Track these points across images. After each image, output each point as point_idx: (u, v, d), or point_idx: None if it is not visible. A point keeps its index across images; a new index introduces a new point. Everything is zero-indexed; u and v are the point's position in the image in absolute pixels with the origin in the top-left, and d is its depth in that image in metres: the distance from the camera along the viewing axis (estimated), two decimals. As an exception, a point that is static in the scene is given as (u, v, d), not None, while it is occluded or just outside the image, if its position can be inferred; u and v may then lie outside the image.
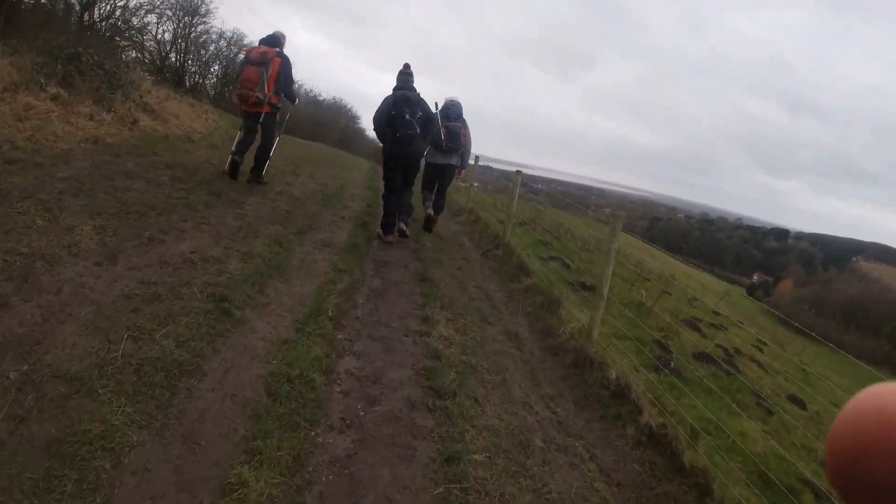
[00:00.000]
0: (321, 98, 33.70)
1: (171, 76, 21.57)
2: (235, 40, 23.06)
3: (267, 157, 6.71)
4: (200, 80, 23.61)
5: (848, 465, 0.27)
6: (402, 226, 6.36)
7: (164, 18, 20.43)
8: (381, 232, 6.26)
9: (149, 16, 19.09)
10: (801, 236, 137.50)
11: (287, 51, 6.42)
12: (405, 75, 5.89)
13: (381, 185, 7.14)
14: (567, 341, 4.37)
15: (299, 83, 31.14)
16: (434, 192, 7.16)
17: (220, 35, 22.86)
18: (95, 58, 8.11)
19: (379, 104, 5.88)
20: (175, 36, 20.69)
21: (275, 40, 6.26)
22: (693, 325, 10.08)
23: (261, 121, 6.33)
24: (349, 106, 36.42)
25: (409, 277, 5.00)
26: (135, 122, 7.65)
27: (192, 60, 22.45)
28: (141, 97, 8.44)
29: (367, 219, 6.70)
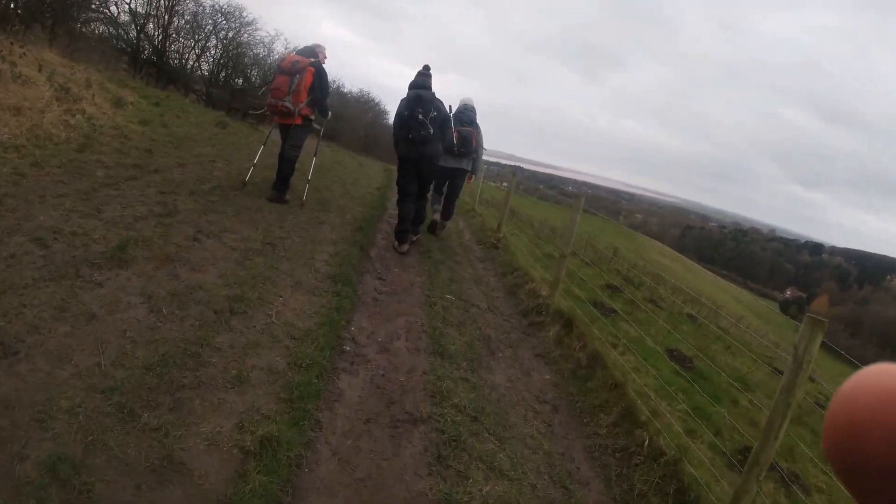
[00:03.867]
0: (345, 90, 28.51)
1: (150, 54, 16.60)
2: (234, 14, 18.00)
3: (291, 171, 5.63)
4: (195, 63, 18.61)
5: (844, 442, 0.25)
6: (412, 236, 5.58)
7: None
8: (395, 243, 5.44)
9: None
10: (835, 251, 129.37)
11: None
12: (422, 75, 5.31)
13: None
14: None
15: (333, 80, 26.10)
16: (443, 195, 6.64)
17: (216, 9, 17.81)
18: None
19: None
20: (150, 5, 15.67)
21: (311, 52, 5.58)
22: None
23: (289, 132, 5.46)
24: (377, 100, 31.11)
25: None
26: None
27: (181, 37, 17.42)
28: None
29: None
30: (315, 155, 6.27)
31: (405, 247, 5.33)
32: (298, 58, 5.40)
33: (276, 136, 5.89)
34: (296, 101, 5.27)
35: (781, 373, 7.89)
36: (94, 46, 14.96)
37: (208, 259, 3.32)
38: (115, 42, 15.95)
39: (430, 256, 5.37)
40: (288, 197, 5.63)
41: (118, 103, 7.30)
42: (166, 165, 5.32)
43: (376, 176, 11.13)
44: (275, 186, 5.56)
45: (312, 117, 5.65)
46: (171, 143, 6.40)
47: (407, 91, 5.28)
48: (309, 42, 5.97)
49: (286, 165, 5.53)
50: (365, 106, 30.44)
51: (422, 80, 5.27)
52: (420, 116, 5.09)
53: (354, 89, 29.92)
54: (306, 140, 5.79)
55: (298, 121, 5.40)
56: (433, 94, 5.27)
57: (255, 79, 20.33)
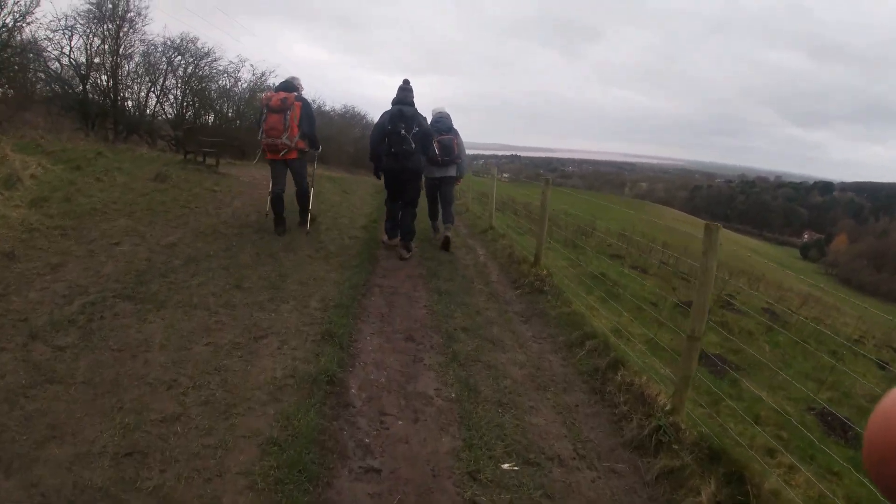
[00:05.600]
0: (327, 109, 26.48)
1: (102, 105, 14.72)
2: (186, 48, 16.04)
3: (308, 201, 6.02)
4: (157, 107, 16.67)
5: (884, 457, 0.25)
6: (404, 252, 5.61)
7: (75, 34, 13.66)
8: (385, 238, 6.00)
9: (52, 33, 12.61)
10: (845, 187, 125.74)
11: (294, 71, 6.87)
12: (403, 91, 5.47)
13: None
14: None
15: (313, 100, 23.92)
16: (439, 206, 6.60)
17: (170, 44, 15.84)
18: None
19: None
20: (89, 53, 13.75)
21: (291, 86, 5.71)
22: None
23: (290, 167, 5.70)
24: (362, 113, 29.08)
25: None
26: None
27: (135, 81, 15.50)
28: None
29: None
30: (311, 185, 6.19)
31: (395, 240, 5.72)
32: (285, 94, 5.48)
33: (267, 173, 5.97)
34: (291, 136, 5.40)
35: (885, 366, 5.48)
36: (39, 109, 13.28)
37: None
38: (59, 101, 14.16)
39: (452, 351, 3.34)
40: (309, 229, 5.99)
41: (7, 183, 5.37)
42: (28, 275, 3.35)
43: (363, 206, 9.08)
44: (301, 222, 6.04)
45: (307, 150, 5.80)
46: (62, 228, 4.44)
47: (390, 105, 5.36)
48: (274, 65, 5.83)
49: (303, 198, 5.94)
50: (351, 121, 28.44)
51: (403, 96, 5.39)
52: (402, 132, 5.17)
53: (338, 106, 27.85)
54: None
55: (294, 154, 5.57)
56: (415, 109, 5.38)
57: (230, 111, 18.42)
